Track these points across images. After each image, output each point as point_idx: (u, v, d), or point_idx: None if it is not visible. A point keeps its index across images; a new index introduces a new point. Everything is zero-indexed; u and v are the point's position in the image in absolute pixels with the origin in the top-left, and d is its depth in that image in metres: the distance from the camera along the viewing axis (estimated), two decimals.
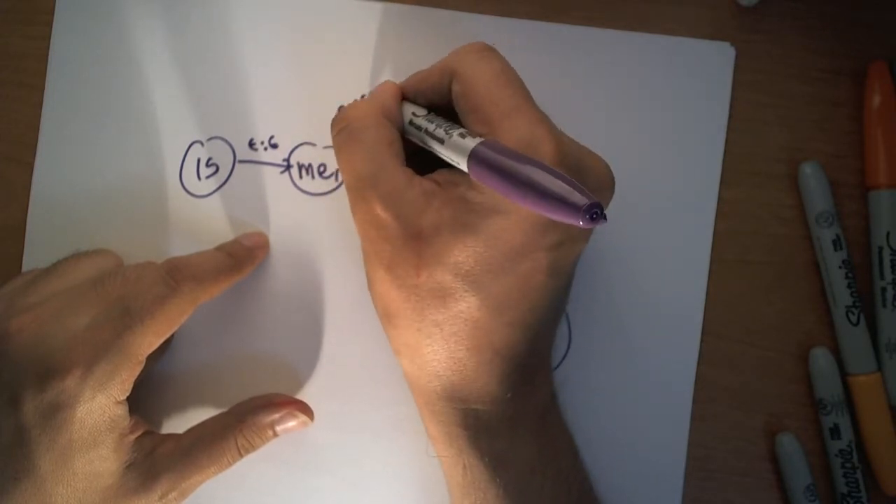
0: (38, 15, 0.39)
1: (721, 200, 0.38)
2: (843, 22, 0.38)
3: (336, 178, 0.38)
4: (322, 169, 0.38)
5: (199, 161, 0.38)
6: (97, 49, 0.38)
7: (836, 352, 0.38)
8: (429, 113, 0.33)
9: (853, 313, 0.37)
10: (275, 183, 0.38)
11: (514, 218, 0.29)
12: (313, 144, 0.38)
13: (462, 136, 0.30)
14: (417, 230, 0.30)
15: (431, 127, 0.31)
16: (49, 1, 0.38)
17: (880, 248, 0.37)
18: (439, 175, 0.32)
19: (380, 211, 0.30)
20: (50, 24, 0.38)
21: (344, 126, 0.32)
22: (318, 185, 0.38)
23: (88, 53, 0.38)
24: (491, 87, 0.30)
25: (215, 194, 0.38)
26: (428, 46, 0.38)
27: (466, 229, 0.30)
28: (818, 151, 0.38)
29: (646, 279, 0.38)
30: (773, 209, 0.38)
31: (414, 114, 0.33)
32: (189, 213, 0.38)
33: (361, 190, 0.31)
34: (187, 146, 0.38)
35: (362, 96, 0.38)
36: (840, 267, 0.37)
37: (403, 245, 0.30)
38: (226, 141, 0.38)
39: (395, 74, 0.38)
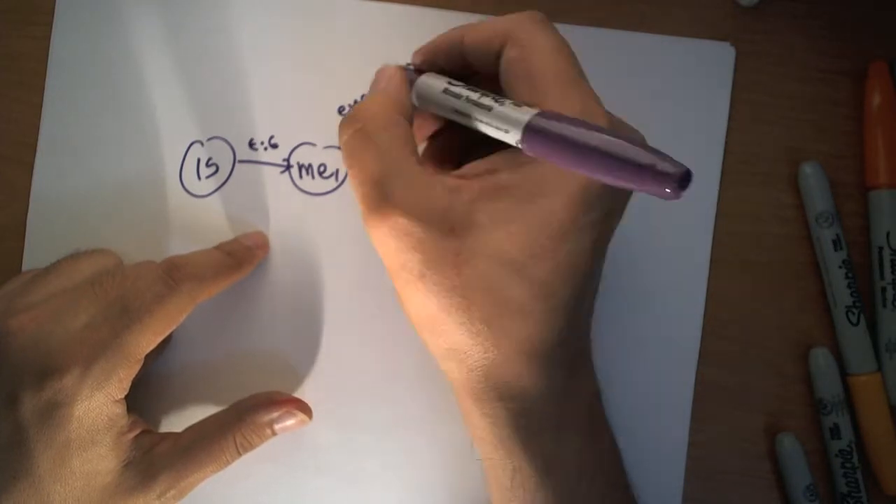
0: (38, 15, 0.39)
1: (721, 200, 0.38)
2: (843, 22, 0.38)
3: (336, 178, 0.38)
4: (322, 169, 0.38)
5: (199, 161, 0.38)
6: (97, 49, 0.38)
7: (836, 352, 0.38)
8: (466, 84, 0.31)
9: (853, 313, 0.37)
10: (275, 183, 0.38)
11: (560, 199, 0.28)
12: (313, 144, 0.38)
13: (515, 105, 0.28)
14: (449, 228, 0.28)
15: (475, 95, 0.29)
16: (49, 1, 0.38)
17: (880, 248, 0.37)
18: (465, 170, 0.30)
19: (401, 220, 0.28)
20: (50, 24, 0.38)
21: (358, 128, 0.30)
22: (318, 185, 0.38)
23: (88, 53, 0.38)
24: (553, 57, 0.29)
25: (215, 194, 0.38)
26: None
27: (506, 216, 0.28)
28: (818, 151, 0.38)
29: (646, 279, 0.38)
30: (773, 209, 0.38)
31: (450, 82, 0.31)
32: (189, 213, 0.38)
33: (377, 200, 0.29)
34: (187, 146, 0.38)
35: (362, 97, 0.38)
36: (840, 267, 0.37)
37: (435, 247, 0.28)
38: (226, 141, 0.38)
39: None
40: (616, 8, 0.38)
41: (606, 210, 0.29)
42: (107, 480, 0.32)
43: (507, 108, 0.28)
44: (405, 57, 0.38)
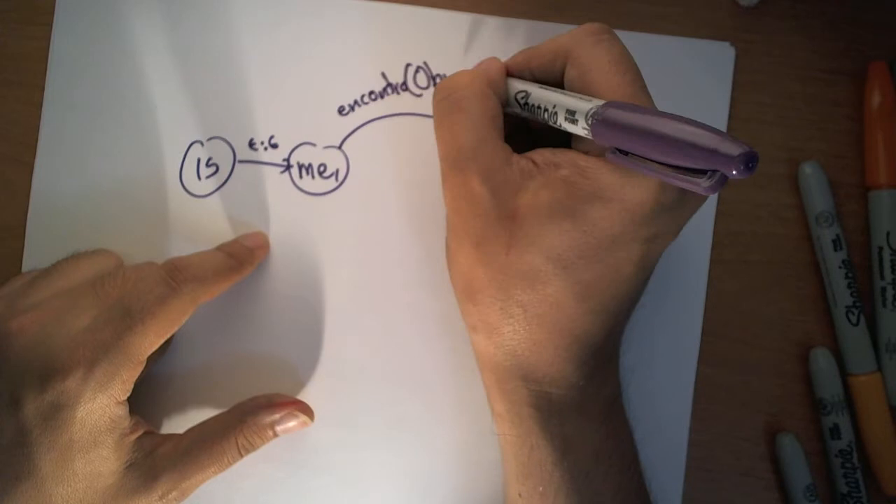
0: (38, 15, 0.39)
1: (721, 200, 0.38)
2: (843, 22, 0.38)
3: (336, 178, 0.38)
4: (322, 169, 0.38)
5: (199, 161, 0.38)
6: (97, 49, 0.38)
7: (836, 352, 0.38)
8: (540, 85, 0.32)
9: (853, 313, 0.37)
10: (275, 183, 0.38)
11: (617, 207, 0.29)
12: (313, 144, 0.38)
13: (586, 100, 0.29)
14: (513, 209, 0.30)
15: (549, 94, 0.31)
16: (49, 1, 0.38)
17: (880, 248, 0.37)
18: (538, 155, 0.31)
19: (476, 185, 0.30)
20: (50, 24, 0.38)
21: (448, 94, 0.32)
22: (318, 185, 0.38)
23: (88, 53, 0.38)
24: (609, 73, 0.30)
25: (215, 194, 0.38)
26: (428, 47, 0.38)
27: (565, 213, 0.29)
28: (818, 151, 0.38)
29: None
30: (773, 209, 0.38)
31: (521, 81, 0.32)
32: (189, 213, 0.38)
33: (459, 161, 0.31)
34: (187, 146, 0.38)
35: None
36: (840, 267, 0.37)
37: (496, 222, 0.30)
38: (226, 141, 0.38)
39: (396, 75, 0.38)
40: (615, 8, 0.38)
41: (661, 229, 0.30)
42: (109, 482, 0.32)
43: (574, 100, 0.29)
44: (406, 57, 0.38)
